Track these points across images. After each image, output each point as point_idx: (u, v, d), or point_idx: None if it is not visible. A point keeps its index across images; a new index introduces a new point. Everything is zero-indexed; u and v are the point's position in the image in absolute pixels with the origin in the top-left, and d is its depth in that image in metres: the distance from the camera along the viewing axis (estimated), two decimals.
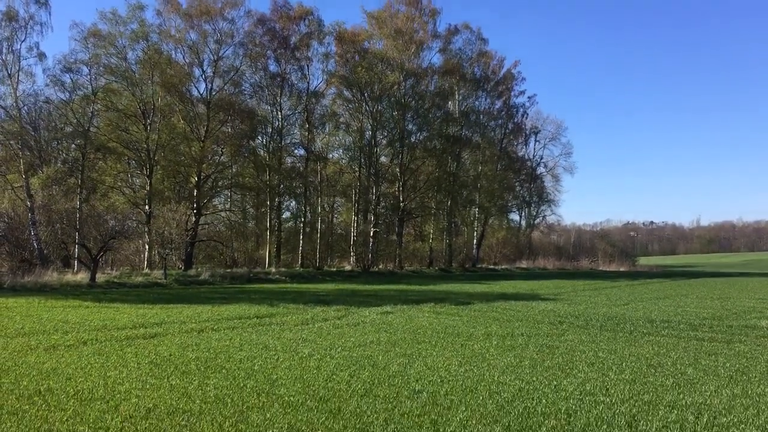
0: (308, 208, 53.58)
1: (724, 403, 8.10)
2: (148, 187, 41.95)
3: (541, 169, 78.39)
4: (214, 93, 44.53)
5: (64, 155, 45.47)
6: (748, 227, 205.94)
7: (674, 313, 19.87)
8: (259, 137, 51.30)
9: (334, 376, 9.45)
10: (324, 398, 8.04)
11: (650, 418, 7.30)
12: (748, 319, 18.25)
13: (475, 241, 66.26)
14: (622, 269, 70.62)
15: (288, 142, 52.40)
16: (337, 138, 54.56)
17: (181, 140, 43.12)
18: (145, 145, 41.71)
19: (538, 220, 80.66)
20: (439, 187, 59.53)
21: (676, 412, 7.63)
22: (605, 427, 6.89)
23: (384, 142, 56.07)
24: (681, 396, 8.49)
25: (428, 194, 60.39)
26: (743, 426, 7.01)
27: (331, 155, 55.78)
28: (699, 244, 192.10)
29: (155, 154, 42.09)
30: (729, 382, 9.45)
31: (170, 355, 11.18)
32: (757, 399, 8.36)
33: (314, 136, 52.19)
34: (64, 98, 40.94)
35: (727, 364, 10.96)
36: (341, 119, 54.04)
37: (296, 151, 54.04)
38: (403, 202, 56.08)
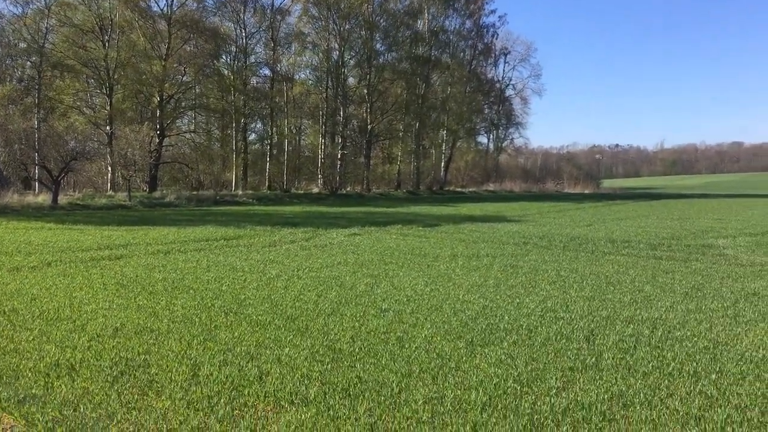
0: (275, 130, 52.83)
1: (679, 318, 8.41)
2: (108, 107, 40.78)
3: (509, 91, 78.04)
4: (175, 9, 42.81)
5: (19, 73, 43.75)
6: (710, 150, 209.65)
7: (635, 234, 20.37)
8: (223, 56, 49.85)
9: (302, 296, 9.54)
10: (292, 317, 8.13)
11: (607, 332, 7.56)
12: (705, 239, 18.81)
13: (443, 163, 66.38)
14: (586, 191, 71.74)
15: (253, 61, 51.09)
16: (304, 58, 53.31)
17: (142, 58, 41.69)
18: (103, 63, 40.26)
19: (505, 143, 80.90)
20: (408, 110, 59.01)
21: (632, 326, 7.91)
22: (564, 341, 7.12)
23: (352, 62, 54.99)
24: (638, 311, 8.79)
25: (396, 116, 59.88)
26: (695, 339, 7.31)
27: (297, 76, 54.65)
28: (662, 166, 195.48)
29: (115, 73, 40.71)
30: (684, 298, 9.79)
31: (137, 276, 11.15)
32: (710, 314, 8.69)
33: (280, 55, 50.87)
34: (17, 12, 39.04)
35: (683, 282, 11.33)
36: (308, 39, 52.62)
37: (261, 71, 52.83)
38: (371, 124, 55.58)
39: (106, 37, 40.47)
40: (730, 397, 5.39)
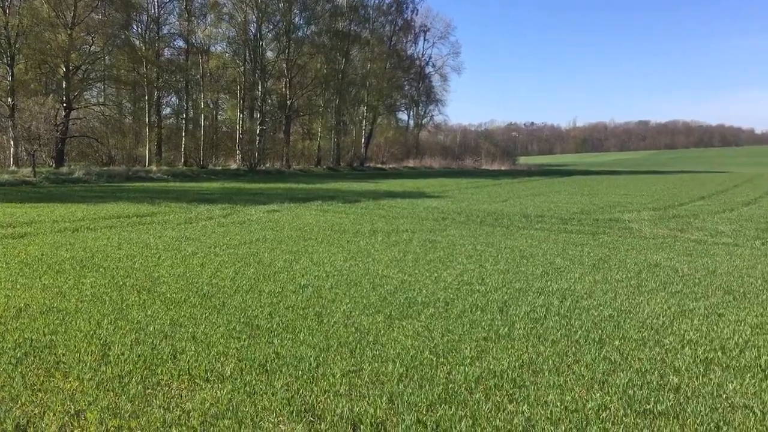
0: (190, 104, 51.29)
1: (586, 288, 8.79)
2: (9, 78, 38.41)
3: (429, 69, 78.59)
4: None
5: None
6: (618, 128, 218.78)
7: (547, 209, 21.06)
8: (134, 26, 47.79)
9: (219, 273, 9.38)
10: (208, 294, 7.99)
11: (520, 303, 7.82)
12: (612, 213, 19.66)
13: (363, 140, 66.37)
14: (503, 168, 73.55)
15: (166, 32, 49.22)
16: (220, 30, 51.67)
17: (46, 27, 39.37)
18: (4, 32, 37.79)
19: (425, 120, 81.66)
20: (328, 85, 58.49)
21: (543, 297, 8.20)
22: (479, 313, 7.31)
23: (270, 36, 53.84)
24: (548, 283, 9.12)
25: (316, 92, 59.27)
26: (601, 308, 7.65)
27: (213, 48, 53.02)
28: (574, 144, 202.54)
29: (16, 42, 38.32)
30: (592, 270, 10.22)
31: (42, 254, 10.64)
32: (615, 284, 9.12)
33: (195, 27, 49.18)
34: None
35: (591, 254, 11.82)
36: (224, 10, 51.06)
37: (175, 42, 50.96)
38: (290, 99, 54.83)
39: (6, 3, 37.97)
40: (632, 361, 5.69)
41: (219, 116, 57.74)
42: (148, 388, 4.88)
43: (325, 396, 4.77)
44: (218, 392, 4.80)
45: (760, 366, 5.56)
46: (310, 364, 5.44)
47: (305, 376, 5.16)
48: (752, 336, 6.50)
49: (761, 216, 19.11)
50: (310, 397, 4.75)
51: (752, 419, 4.46)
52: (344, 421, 4.34)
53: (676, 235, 14.66)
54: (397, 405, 4.61)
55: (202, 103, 51.98)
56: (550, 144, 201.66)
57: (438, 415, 4.46)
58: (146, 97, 47.20)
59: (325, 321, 6.84)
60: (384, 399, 4.71)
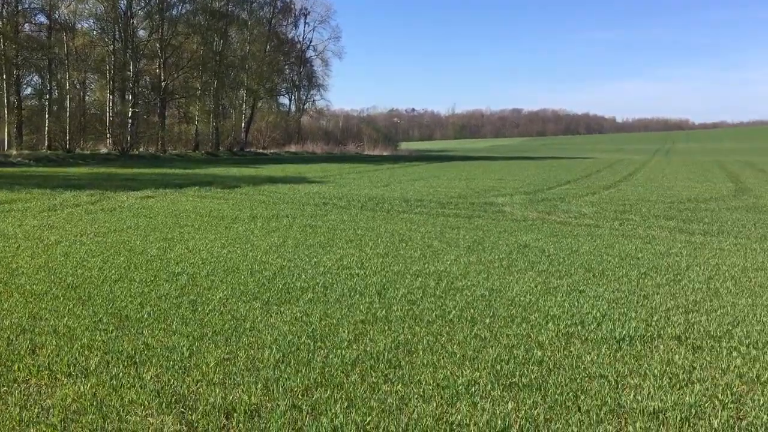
0: (54, 84, 47.97)
1: (461, 270, 9.09)
2: None
3: (310, 53, 77.94)
4: None
5: None
6: (494, 115, 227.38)
7: (427, 193, 21.57)
8: None
9: (85, 263, 8.88)
10: (73, 286, 7.55)
11: (398, 286, 7.97)
12: (487, 197, 20.43)
13: (243, 124, 64.92)
14: (385, 153, 74.40)
15: (26, 6, 45.61)
16: (86, 6, 48.55)
17: None
18: None
19: (307, 105, 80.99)
20: (205, 67, 56.61)
21: (420, 279, 8.41)
22: (358, 296, 7.39)
23: (141, 13, 51.24)
24: (426, 265, 9.35)
25: (193, 74, 57.22)
26: (474, 288, 7.95)
27: (79, 25, 49.79)
28: (453, 130, 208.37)
29: None
30: (467, 252, 10.59)
31: None
32: (488, 265, 9.49)
33: (58, 1, 45.93)
34: None
35: (467, 237, 12.23)
36: None
37: (36, 17, 47.36)
38: (164, 81, 52.60)
39: None
40: (501, 338, 5.95)
41: (87, 97, 54.39)
42: (3, 386, 4.55)
43: (198, 385, 4.65)
44: (81, 387, 4.56)
45: (615, 338, 5.99)
46: (183, 354, 5.28)
47: (177, 367, 5.00)
48: (609, 310, 6.99)
49: (620, 199, 20.53)
50: (181, 387, 4.61)
51: (607, 387, 4.80)
52: (217, 409, 4.26)
53: (544, 218, 15.46)
54: (273, 391, 4.58)
55: (67, 84, 48.73)
56: (430, 130, 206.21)
57: (314, 398, 4.47)
58: (4, 76, 43.63)
59: (199, 309, 6.66)
60: (259, 386, 4.66)
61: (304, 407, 4.32)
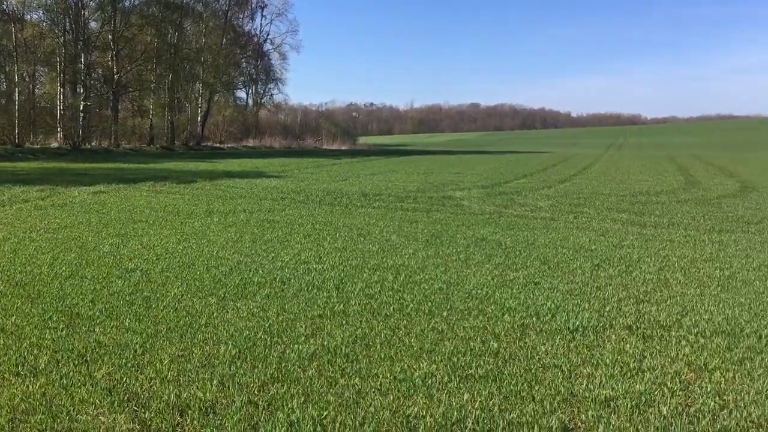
0: (2, 76, 46.46)
1: (419, 263, 9.13)
2: None
3: (267, 46, 77.17)
4: None
5: None
6: (452, 110, 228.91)
7: (385, 187, 21.59)
8: None
9: (35, 260, 8.63)
10: (21, 283, 7.33)
11: (356, 280, 7.96)
12: (445, 191, 20.57)
13: (199, 118, 63.99)
14: (344, 148, 74.32)
15: None
16: None
17: None
18: None
19: (265, 99, 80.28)
20: (159, 59, 55.58)
21: (378, 273, 8.41)
22: (315, 291, 7.36)
23: (93, 4, 49.98)
24: (384, 259, 9.37)
25: (147, 66, 56.12)
26: (432, 281, 7.99)
27: (28, 16, 48.30)
28: (411, 124, 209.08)
29: None
30: (425, 246, 10.63)
31: None
32: (446, 258, 9.55)
33: None
34: None
35: (425, 230, 12.29)
36: None
37: None
38: (117, 73, 51.45)
39: None
40: (457, 330, 6.00)
41: (37, 90, 52.83)
42: None
43: (151, 383, 4.57)
44: (30, 387, 4.43)
45: (569, 328, 6.09)
46: (136, 352, 5.18)
47: (129, 365, 4.90)
48: (563, 301, 7.10)
49: (574, 192, 20.90)
50: (134, 385, 4.53)
51: (560, 377, 4.88)
52: (171, 407, 4.19)
53: (501, 211, 15.64)
54: (228, 387, 4.53)
55: (16, 76, 47.26)
56: (389, 124, 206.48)
57: (270, 394, 4.43)
58: None
59: (153, 306, 6.54)
60: (214, 382, 4.60)
61: (260, 403, 4.29)
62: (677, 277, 8.44)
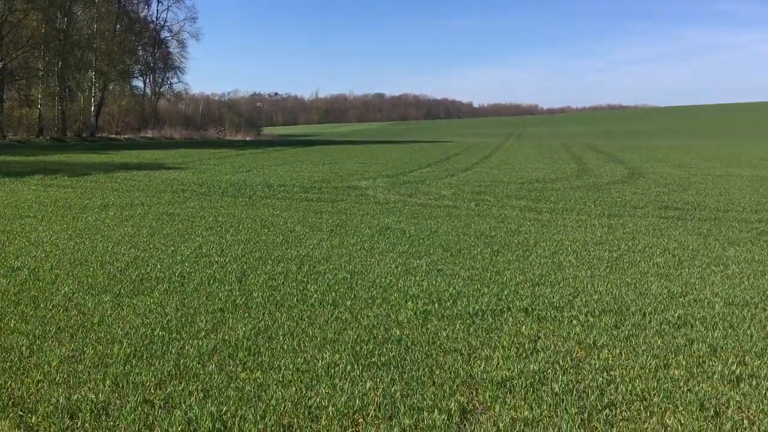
0: None
1: (324, 254, 9.11)
2: None
3: (165, 34, 74.49)
4: None
5: None
6: (357, 100, 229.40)
7: (290, 178, 21.38)
8: None
9: None
10: None
11: (259, 272, 7.85)
12: (351, 181, 20.61)
13: (93, 108, 60.99)
14: (248, 138, 73.02)
15: None
16: None
17: None
18: None
19: (164, 88, 77.56)
20: (47, 46, 52.48)
21: (282, 264, 8.33)
22: (217, 284, 7.20)
23: None
24: (288, 250, 9.28)
25: (34, 53, 52.82)
26: (336, 271, 7.99)
27: None
28: (317, 114, 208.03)
29: None
30: (330, 236, 10.62)
31: None
32: (350, 248, 9.58)
33: None
34: None
35: (330, 220, 12.27)
36: None
37: None
38: (2, 61, 48.18)
39: None
40: (361, 319, 6.04)
41: None
42: None
43: (38, 386, 4.33)
44: None
45: (469, 313, 6.25)
46: (22, 354, 4.90)
47: (15, 368, 4.63)
48: (464, 287, 7.28)
49: (476, 180, 21.45)
50: (20, 389, 4.28)
51: (460, 360, 5.01)
52: (60, 410, 3.98)
53: (406, 200, 15.84)
54: (122, 387, 4.36)
55: None
56: (294, 114, 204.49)
57: (167, 392, 4.30)
58: None
59: (42, 306, 6.20)
60: (107, 382, 4.42)
61: (156, 401, 4.15)
62: (570, 260, 8.84)
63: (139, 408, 4.04)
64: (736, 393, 4.42)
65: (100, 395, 4.21)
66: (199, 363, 4.83)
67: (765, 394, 4.41)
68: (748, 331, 5.77)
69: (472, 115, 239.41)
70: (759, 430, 3.92)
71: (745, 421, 4.03)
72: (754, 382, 4.61)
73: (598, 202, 15.70)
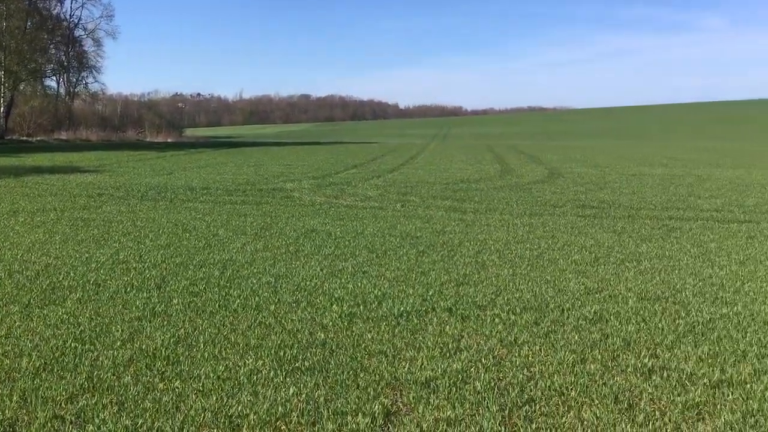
0: None
1: (248, 257, 8.95)
2: None
3: (80, 32, 71.54)
4: None
5: None
6: (283, 101, 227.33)
7: (213, 181, 20.94)
8: None
9: None
10: None
11: (179, 278, 7.63)
12: (276, 183, 20.36)
13: (2, 109, 57.95)
14: (169, 140, 71.08)
15: None
16: None
17: None
18: None
19: (79, 88, 74.42)
20: None
21: (204, 269, 8.13)
22: (134, 292, 6.96)
23: None
24: (211, 255, 9.07)
25: None
26: (260, 275, 7.87)
27: None
28: (242, 115, 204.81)
29: None
30: (254, 239, 10.45)
31: None
32: (275, 251, 9.45)
33: None
34: None
35: (254, 223, 12.07)
36: None
37: None
38: None
39: None
40: (285, 323, 5.95)
41: None
42: None
43: None
44: None
45: (394, 314, 6.27)
46: None
47: None
48: (389, 288, 7.30)
49: (402, 181, 21.60)
50: None
51: (385, 362, 5.01)
52: None
53: (332, 202, 15.78)
54: (31, 402, 4.14)
55: None
56: (218, 115, 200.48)
57: (79, 406, 4.11)
58: None
59: None
60: (15, 398, 4.19)
61: (67, 416, 3.96)
62: (493, 259, 9.01)
63: (49, 424, 3.85)
64: (649, 385, 4.60)
65: (6, 412, 3.99)
66: (113, 374, 4.64)
67: (675, 385, 4.61)
68: (660, 325, 6.02)
69: (398, 116, 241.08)
70: (670, 420, 4.08)
71: (657, 412, 4.19)
72: (665, 374, 4.81)
73: (519, 201, 16.08)
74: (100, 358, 4.95)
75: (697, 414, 4.17)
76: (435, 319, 6.18)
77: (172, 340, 5.40)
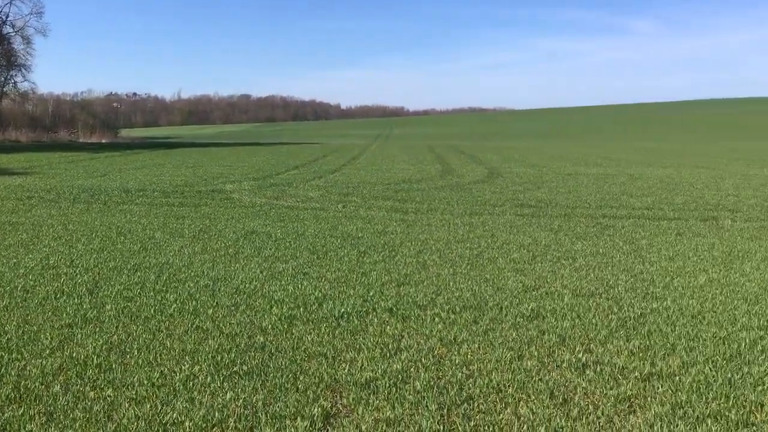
0: None
1: (185, 260, 8.76)
2: None
3: (8, 29, 68.67)
4: None
5: None
6: (222, 101, 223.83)
7: (150, 182, 20.44)
8: None
9: None
10: None
11: (113, 283, 7.41)
12: (215, 185, 20.02)
13: None
14: (104, 141, 69.20)
15: None
16: None
17: None
18: None
19: (7, 88, 71.37)
20: None
21: (139, 273, 7.92)
22: (64, 298, 6.72)
23: None
24: (146, 258, 8.85)
25: None
26: (198, 279, 7.71)
27: None
28: (180, 116, 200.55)
29: None
30: (192, 241, 10.24)
31: None
32: (214, 254, 9.28)
33: None
34: None
35: (192, 226, 11.84)
36: None
37: None
38: None
39: None
40: (223, 327, 5.85)
41: None
42: None
43: None
44: None
45: (335, 316, 6.24)
46: None
47: None
48: (330, 290, 7.26)
49: (344, 182, 21.55)
50: None
51: (324, 364, 4.98)
52: None
53: (272, 203, 15.61)
54: None
55: None
56: (155, 115, 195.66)
57: (5, 417, 3.94)
58: None
59: None
60: None
61: None
62: (434, 259, 9.07)
63: None
64: (583, 380, 4.71)
65: None
66: (42, 384, 4.47)
67: (608, 379, 4.73)
68: (593, 320, 6.18)
69: (340, 116, 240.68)
70: (603, 414, 4.19)
71: (590, 406, 4.29)
72: (598, 369, 4.93)
73: (460, 201, 16.26)
74: (28, 368, 4.76)
75: (628, 407, 4.29)
76: (376, 319, 6.18)
77: (104, 347, 5.24)
